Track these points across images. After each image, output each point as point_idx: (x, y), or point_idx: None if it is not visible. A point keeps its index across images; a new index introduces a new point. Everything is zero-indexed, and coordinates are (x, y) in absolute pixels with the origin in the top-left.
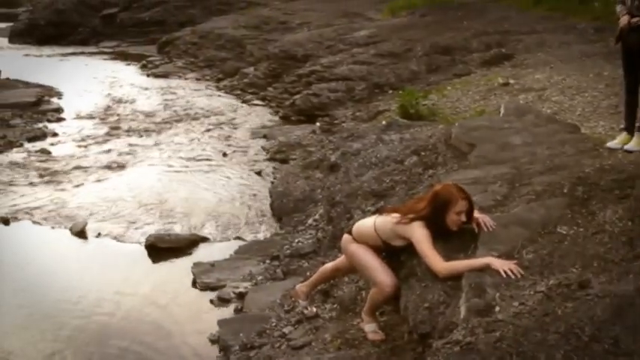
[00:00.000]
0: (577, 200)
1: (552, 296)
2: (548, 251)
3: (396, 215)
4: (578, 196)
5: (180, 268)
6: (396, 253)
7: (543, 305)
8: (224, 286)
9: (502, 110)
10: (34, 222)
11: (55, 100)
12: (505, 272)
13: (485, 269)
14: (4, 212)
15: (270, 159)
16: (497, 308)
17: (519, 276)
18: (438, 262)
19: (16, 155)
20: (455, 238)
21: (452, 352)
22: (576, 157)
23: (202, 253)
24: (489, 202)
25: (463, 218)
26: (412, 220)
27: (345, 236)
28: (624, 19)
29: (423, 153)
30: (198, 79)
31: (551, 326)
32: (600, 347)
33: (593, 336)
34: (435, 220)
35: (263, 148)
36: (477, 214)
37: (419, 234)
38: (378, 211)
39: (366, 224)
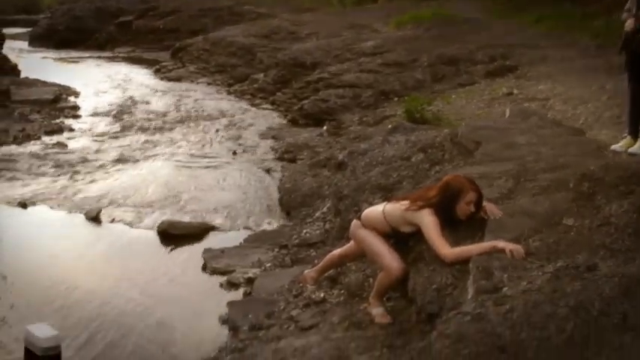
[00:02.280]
0: (582, 195)
1: (560, 276)
2: (554, 240)
3: (405, 202)
4: (584, 191)
5: (191, 253)
6: (405, 239)
7: (552, 284)
8: (233, 271)
9: (507, 112)
10: (51, 207)
11: (72, 98)
12: (511, 252)
13: (492, 252)
14: (23, 197)
15: (279, 158)
16: (505, 289)
17: (524, 257)
18: (445, 248)
19: (34, 147)
20: (462, 226)
21: (463, 322)
22: (581, 157)
23: (212, 241)
24: (495, 195)
25: (472, 208)
26: (422, 207)
27: (355, 222)
28: (630, 23)
29: (429, 150)
30: (209, 84)
31: (560, 301)
32: (609, 321)
33: (602, 311)
34: (445, 208)
35: (272, 148)
36: (483, 202)
37: (428, 221)
38: (387, 199)
39: (376, 210)
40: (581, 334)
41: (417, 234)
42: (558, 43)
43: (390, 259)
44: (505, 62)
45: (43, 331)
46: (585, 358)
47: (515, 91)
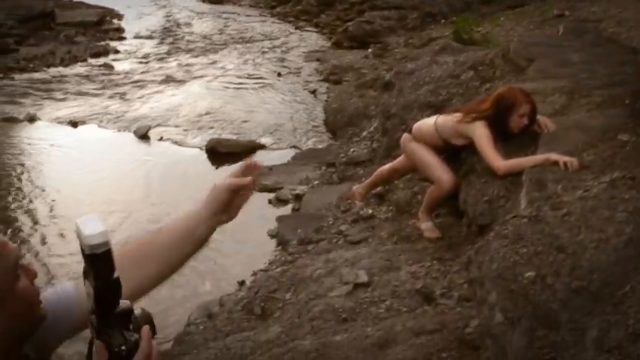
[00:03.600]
0: (638, 111)
1: (617, 186)
2: (609, 154)
3: (457, 114)
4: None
5: None
6: (456, 152)
7: (608, 192)
8: (281, 188)
9: (560, 29)
10: (100, 126)
11: (115, 20)
12: (565, 164)
13: (545, 164)
14: (73, 117)
15: (324, 80)
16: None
17: (578, 169)
18: (497, 160)
19: (80, 69)
20: (515, 139)
21: (520, 223)
22: (636, 75)
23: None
24: (548, 111)
25: (525, 121)
26: (475, 119)
27: (405, 135)
28: None
29: (479, 68)
30: (252, 6)
31: (618, 207)
32: None
33: None
34: (498, 121)
35: (316, 70)
36: (537, 115)
37: (480, 133)
38: (439, 112)
39: (427, 123)
40: None
41: (469, 147)
42: None
43: (440, 171)
44: None
45: (90, 227)
46: None
47: (566, 13)
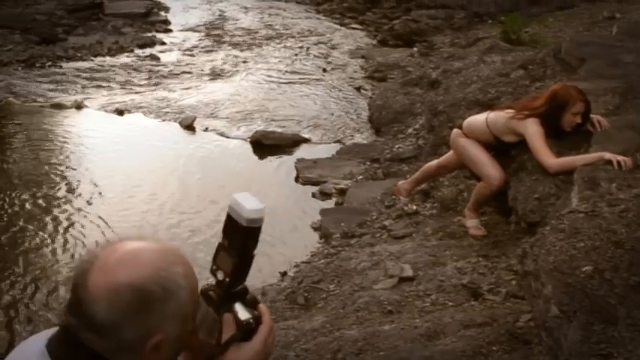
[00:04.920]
0: None
1: None
2: None
3: (510, 111)
4: None
5: (283, 163)
6: (506, 150)
7: None
8: (325, 182)
9: (614, 30)
10: (146, 115)
11: (162, 13)
12: (618, 163)
13: (598, 162)
14: (119, 105)
15: (369, 77)
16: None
17: (632, 168)
18: (549, 158)
19: (127, 59)
20: (568, 137)
21: (577, 218)
22: None
23: (304, 153)
24: (601, 111)
25: (578, 120)
26: (527, 116)
27: (455, 130)
28: None
29: (530, 66)
30: (298, 2)
31: None
32: None
33: None
34: (551, 119)
35: (361, 67)
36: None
37: (533, 130)
38: (490, 108)
39: (478, 119)
40: None
41: (520, 144)
42: None
43: (490, 168)
44: None
45: (250, 202)
46: None
47: (617, 15)
